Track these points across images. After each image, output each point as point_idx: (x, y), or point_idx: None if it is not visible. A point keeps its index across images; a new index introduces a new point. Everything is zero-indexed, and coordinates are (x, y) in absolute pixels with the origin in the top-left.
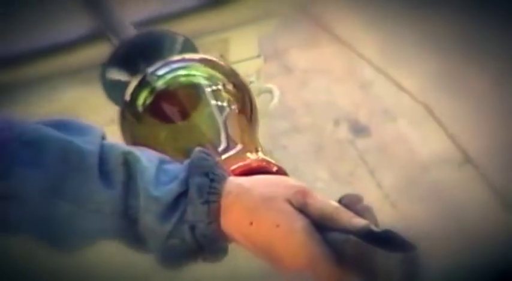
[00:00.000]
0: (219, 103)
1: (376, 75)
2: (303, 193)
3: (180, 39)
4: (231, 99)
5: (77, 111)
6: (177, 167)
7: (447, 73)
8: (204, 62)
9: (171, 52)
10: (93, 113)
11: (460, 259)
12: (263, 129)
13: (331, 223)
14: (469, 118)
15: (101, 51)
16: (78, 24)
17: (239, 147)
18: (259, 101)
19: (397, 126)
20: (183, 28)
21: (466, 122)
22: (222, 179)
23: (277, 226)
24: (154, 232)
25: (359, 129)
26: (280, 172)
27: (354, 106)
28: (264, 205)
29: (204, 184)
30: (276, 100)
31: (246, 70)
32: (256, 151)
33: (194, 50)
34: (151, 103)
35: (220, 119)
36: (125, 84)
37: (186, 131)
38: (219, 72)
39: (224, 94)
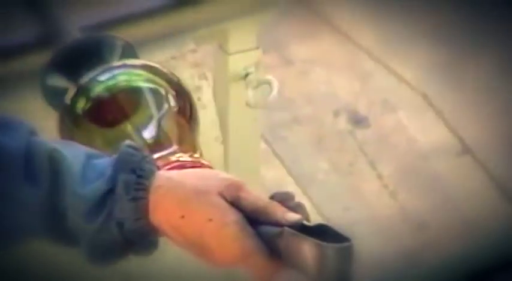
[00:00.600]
0: (158, 106)
1: (375, 66)
2: (236, 186)
3: (120, 44)
4: (171, 102)
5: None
6: (105, 162)
7: (446, 64)
8: (145, 67)
9: (111, 57)
10: None
11: (459, 248)
12: (263, 121)
13: (264, 216)
14: (468, 108)
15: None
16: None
17: (174, 148)
18: (258, 93)
19: (397, 117)
20: (182, 19)
21: (465, 112)
22: (150, 174)
23: (210, 220)
24: (82, 229)
25: (359, 120)
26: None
27: (353, 97)
28: (196, 199)
29: (131, 180)
30: (275, 91)
31: (245, 61)
32: (194, 153)
33: (134, 54)
34: (91, 108)
35: (157, 121)
36: (64, 90)
37: (124, 134)
38: (160, 78)
39: (163, 97)
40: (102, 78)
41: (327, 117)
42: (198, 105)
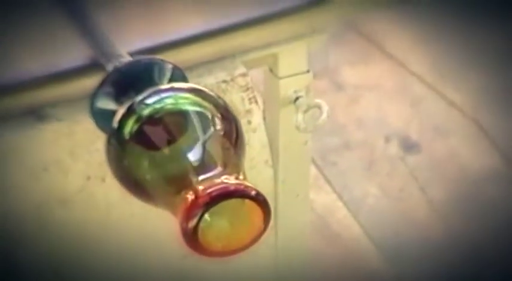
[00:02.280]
0: (204, 128)
1: (427, 91)
2: None
3: (169, 67)
4: (217, 125)
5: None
6: None
7: (499, 90)
8: (192, 91)
9: (160, 80)
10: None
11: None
12: (314, 146)
13: None
14: None
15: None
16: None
17: (219, 169)
18: (308, 116)
19: (448, 143)
20: (232, 43)
21: None
22: None
23: None
24: None
25: (410, 146)
26: (259, 196)
27: (404, 123)
28: None
29: None
30: (325, 115)
31: (295, 85)
32: (239, 175)
33: (183, 78)
34: (137, 131)
35: (203, 144)
36: (113, 113)
37: (170, 157)
38: (207, 101)
39: (210, 120)
40: (149, 101)
41: (378, 142)
42: (248, 128)
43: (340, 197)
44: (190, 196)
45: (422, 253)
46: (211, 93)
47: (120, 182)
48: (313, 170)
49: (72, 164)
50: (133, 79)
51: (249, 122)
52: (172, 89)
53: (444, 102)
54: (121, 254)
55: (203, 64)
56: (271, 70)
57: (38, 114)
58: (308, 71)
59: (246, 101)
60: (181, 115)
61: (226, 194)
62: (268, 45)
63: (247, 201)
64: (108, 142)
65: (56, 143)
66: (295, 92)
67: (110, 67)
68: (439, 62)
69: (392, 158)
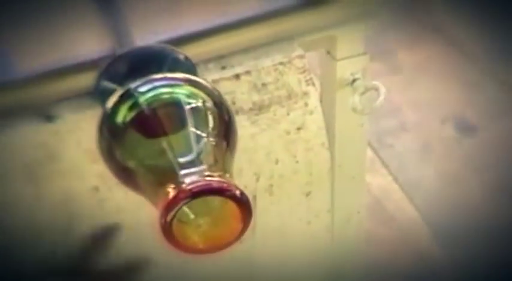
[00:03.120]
0: (196, 122)
1: (483, 73)
2: None
3: (180, 57)
4: (209, 119)
5: None
6: None
7: None
8: (187, 81)
9: (168, 69)
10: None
11: None
12: (370, 128)
13: None
14: None
15: None
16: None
17: (206, 166)
18: (364, 99)
19: (505, 125)
20: (290, 25)
21: None
22: None
23: None
24: None
25: (466, 128)
26: (243, 197)
27: (461, 105)
28: None
29: None
30: (382, 98)
31: (352, 67)
32: (225, 173)
33: (193, 69)
34: (128, 119)
35: (193, 138)
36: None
37: (158, 148)
38: (202, 92)
39: (202, 113)
40: (144, 89)
41: (434, 124)
42: (305, 111)
43: (395, 179)
44: (171, 190)
45: (477, 237)
46: (205, 83)
47: (108, 166)
48: (369, 152)
49: None
50: (141, 65)
51: (306, 105)
52: (166, 78)
53: (501, 85)
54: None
55: (260, 46)
56: (328, 52)
57: None
58: (365, 53)
59: (303, 83)
60: (175, 106)
61: (207, 192)
62: (326, 27)
63: (228, 201)
64: (99, 127)
65: None
66: (352, 74)
67: (120, 51)
68: (496, 44)
69: (449, 141)
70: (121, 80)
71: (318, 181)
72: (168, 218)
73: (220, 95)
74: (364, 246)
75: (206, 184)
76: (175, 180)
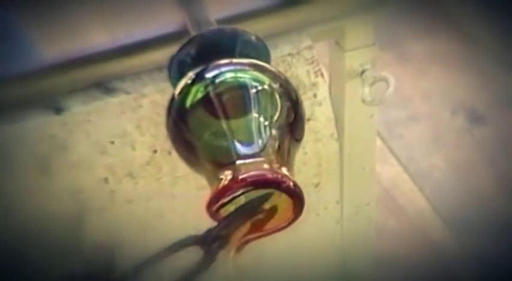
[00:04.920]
0: (262, 108)
1: (493, 63)
2: None
3: (252, 39)
4: (275, 106)
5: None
6: None
7: None
8: (253, 66)
9: (241, 51)
10: None
11: None
12: (379, 118)
13: None
14: None
15: None
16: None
17: (262, 158)
18: (374, 90)
19: None
20: (299, 16)
21: None
22: None
23: None
24: None
25: (477, 118)
26: (297, 189)
27: (471, 95)
28: None
29: None
30: (391, 88)
31: (361, 58)
32: (284, 164)
33: (266, 51)
34: (198, 101)
35: (258, 124)
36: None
37: (221, 133)
38: (268, 77)
39: (269, 99)
40: (209, 74)
41: (444, 115)
42: (314, 102)
43: (406, 170)
44: (225, 177)
45: (489, 226)
46: (271, 68)
47: (174, 146)
48: (378, 142)
49: (139, 138)
50: (214, 47)
51: (315, 96)
52: (232, 63)
53: (511, 74)
54: (186, 228)
55: (269, 37)
56: (337, 43)
57: (105, 87)
58: (374, 44)
59: (312, 74)
60: (241, 91)
61: (260, 184)
62: (335, 17)
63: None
64: (168, 111)
65: (123, 116)
66: (361, 65)
67: (195, 32)
68: (507, 33)
69: (459, 131)
70: (193, 62)
71: (327, 172)
72: (215, 207)
73: (287, 82)
74: (374, 237)
75: (259, 177)
76: (232, 168)
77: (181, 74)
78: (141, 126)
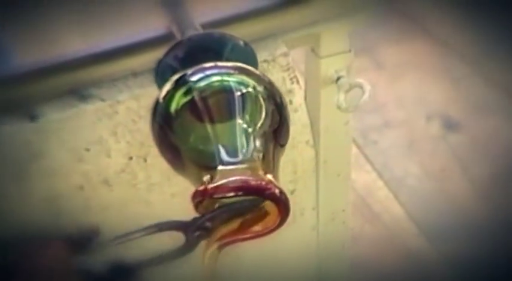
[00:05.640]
0: (247, 112)
1: (468, 70)
2: None
3: (239, 43)
4: (260, 110)
5: None
6: None
7: None
8: (238, 69)
9: (228, 55)
10: None
11: None
12: (354, 125)
13: None
14: None
15: None
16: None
17: (244, 165)
18: (349, 96)
19: (490, 122)
20: (274, 23)
21: None
22: None
23: None
24: None
25: (451, 125)
26: (282, 197)
27: (446, 101)
28: None
29: None
30: (366, 95)
31: (336, 65)
32: (268, 170)
33: (253, 55)
34: (183, 105)
35: (243, 129)
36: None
37: (205, 137)
38: (253, 80)
39: (254, 103)
40: (195, 78)
41: (419, 121)
42: (289, 108)
43: (380, 176)
44: (206, 181)
45: (464, 233)
46: (255, 71)
47: (159, 150)
48: (353, 149)
49: (115, 145)
50: (201, 51)
51: (291, 102)
52: (216, 66)
53: (485, 81)
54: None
55: None
56: (312, 50)
57: (80, 94)
58: (350, 50)
59: (287, 81)
60: (225, 94)
61: (247, 190)
62: (310, 24)
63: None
64: (153, 109)
65: (99, 123)
66: (337, 71)
67: (181, 36)
68: (481, 40)
69: (434, 137)
70: (179, 66)
71: (303, 178)
72: (194, 205)
73: (272, 85)
74: (350, 244)
75: (238, 184)
76: (212, 173)
77: (168, 78)
78: (116, 133)
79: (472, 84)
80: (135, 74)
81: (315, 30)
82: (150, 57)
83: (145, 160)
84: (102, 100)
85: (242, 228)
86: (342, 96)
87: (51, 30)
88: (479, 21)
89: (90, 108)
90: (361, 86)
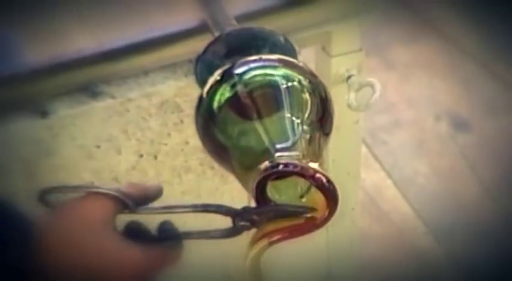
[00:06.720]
0: (293, 104)
1: (477, 70)
2: None
3: (279, 38)
4: (306, 102)
5: (177, 103)
6: None
7: None
8: (282, 62)
9: (268, 50)
10: (193, 105)
11: None
12: (364, 124)
13: None
14: None
15: (203, 44)
16: (182, 17)
17: (297, 152)
18: (360, 95)
19: (499, 122)
20: (285, 21)
21: None
22: None
23: None
24: None
25: (460, 125)
26: (330, 186)
27: (455, 101)
28: None
29: None
30: (377, 94)
31: (347, 64)
32: (317, 159)
33: (293, 50)
34: (228, 100)
35: (289, 122)
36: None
37: (252, 130)
38: (298, 73)
39: (299, 96)
40: (238, 71)
41: (428, 121)
42: None
43: (389, 175)
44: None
45: (472, 232)
46: (300, 63)
47: (204, 145)
48: (362, 148)
49: (125, 142)
50: (241, 47)
51: None
52: (261, 59)
53: (495, 81)
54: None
55: None
56: (323, 48)
57: (92, 91)
58: (361, 50)
59: None
60: (271, 88)
61: (297, 173)
62: (321, 23)
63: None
64: (196, 110)
65: (109, 120)
66: (347, 70)
67: (219, 31)
68: (491, 41)
69: (443, 137)
70: (220, 61)
71: None
72: (257, 185)
73: (316, 78)
74: (359, 242)
75: (297, 166)
76: (271, 159)
77: (208, 73)
78: (127, 130)
79: (481, 85)
80: (146, 72)
81: (326, 29)
82: (161, 55)
83: (155, 158)
84: (113, 98)
85: (289, 227)
86: (352, 95)
87: (63, 28)
88: (489, 22)
89: (101, 106)
90: (371, 85)
